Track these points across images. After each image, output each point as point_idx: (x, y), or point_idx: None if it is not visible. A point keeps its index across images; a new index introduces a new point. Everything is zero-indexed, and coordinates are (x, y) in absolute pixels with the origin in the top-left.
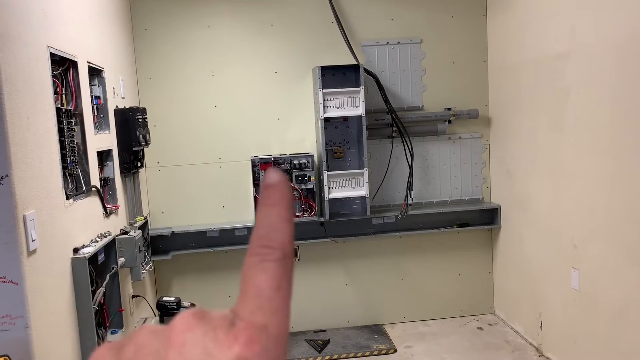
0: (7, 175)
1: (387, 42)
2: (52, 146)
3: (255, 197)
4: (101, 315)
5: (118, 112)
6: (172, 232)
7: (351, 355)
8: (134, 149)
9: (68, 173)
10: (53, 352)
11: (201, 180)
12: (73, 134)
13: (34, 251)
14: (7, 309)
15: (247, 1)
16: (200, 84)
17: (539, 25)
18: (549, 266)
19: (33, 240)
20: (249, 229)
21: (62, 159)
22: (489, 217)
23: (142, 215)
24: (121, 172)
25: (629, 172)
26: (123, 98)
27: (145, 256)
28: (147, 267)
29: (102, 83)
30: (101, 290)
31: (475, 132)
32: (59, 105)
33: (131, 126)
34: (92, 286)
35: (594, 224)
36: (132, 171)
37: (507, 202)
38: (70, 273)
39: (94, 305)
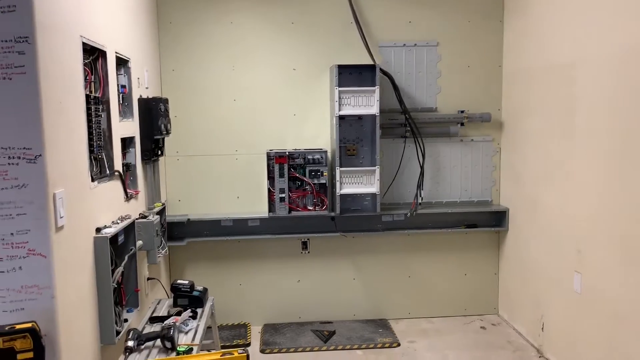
0: (40, 155)
1: (404, 44)
2: (80, 130)
3: (269, 190)
4: (118, 294)
5: (142, 101)
6: (188, 219)
7: (355, 346)
8: (155, 137)
9: (93, 157)
10: (75, 322)
11: (217, 171)
12: (100, 120)
13: (62, 227)
14: (35, 279)
15: None
16: (220, 78)
17: (552, 34)
18: (553, 269)
19: (61, 217)
20: (262, 220)
21: (88, 143)
22: (497, 219)
23: (160, 202)
24: (142, 159)
25: (634, 180)
26: (147, 88)
27: (161, 241)
28: (163, 252)
29: (128, 73)
30: (120, 269)
31: (487, 136)
32: (88, 92)
33: (154, 115)
34: (111, 265)
35: (598, 229)
36: (152, 159)
37: (516, 205)
38: (93, 251)
39: (113, 283)
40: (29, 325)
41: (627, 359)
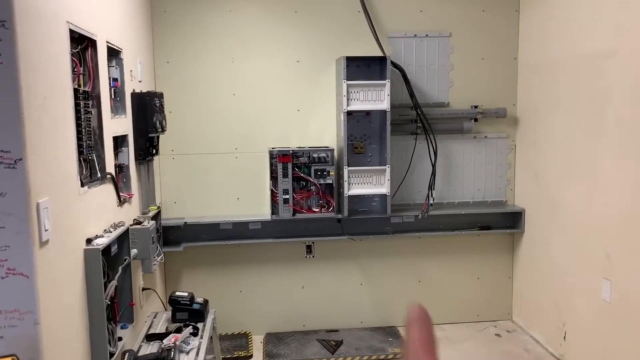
0: (20, 159)
1: (415, 35)
2: (68, 129)
3: (271, 191)
4: (111, 309)
5: (135, 96)
6: (185, 223)
7: (365, 358)
8: (150, 135)
9: (83, 158)
10: (63, 349)
11: (216, 170)
12: (90, 117)
13: (47, 242)
14: (15, 303)
15: None
16: (219, 71)
17: (577, 22)
18: (578, 275)
19: (46, 230)
20: (264, 223)
21: (77, 144)
22: (512, 220)
23: (156, 205)
24: (136, 159)
25: None
26: (140, 82)
27: (157, 248)
28: (159, 259)
29: (120, 65)
30: (113, 283)
31: (502, 132)
32: (76, 86)
33: (148, 111)
34: (103, 279)
35: (630, 233)
36: (147, 158)
37: (533, 206)
38: (83, 265)
39: (105, 299)
40: (8, 359)
41: None
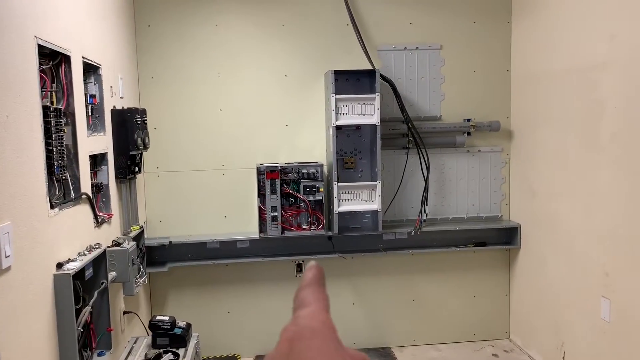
0: None
1: (405, 47)
2: (36, 148)
3: (259, 208)
4: (87, 336)
5: (115, 112)
6: (170, 242)
7: None
8: (131, 153)
9: (55, 179)
10: None
11: (203, 187)
12: (62, 136)
13: (8, 269)
14: None
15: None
16: (205, 86)
17: (571, 33)
18: (575, 293)
19: (7, 257)
20: (252, 242)
21: (47, 163)
22: (508, 236)
23: (138, 225)
24: (116, 177)
25: None
26: (122, 98)
27: (139, 269)
28: (142, 281)
29: (99, 81)
30: (87, 309)
31: (496, 146)
32: (48, 104)
33: (129, 128)
34: (78, 304)
35: (629, 251)
36: (128, 177)
37: (528, 221)
38: (52, 291)
39: (78, 327)
40: None
41: None
